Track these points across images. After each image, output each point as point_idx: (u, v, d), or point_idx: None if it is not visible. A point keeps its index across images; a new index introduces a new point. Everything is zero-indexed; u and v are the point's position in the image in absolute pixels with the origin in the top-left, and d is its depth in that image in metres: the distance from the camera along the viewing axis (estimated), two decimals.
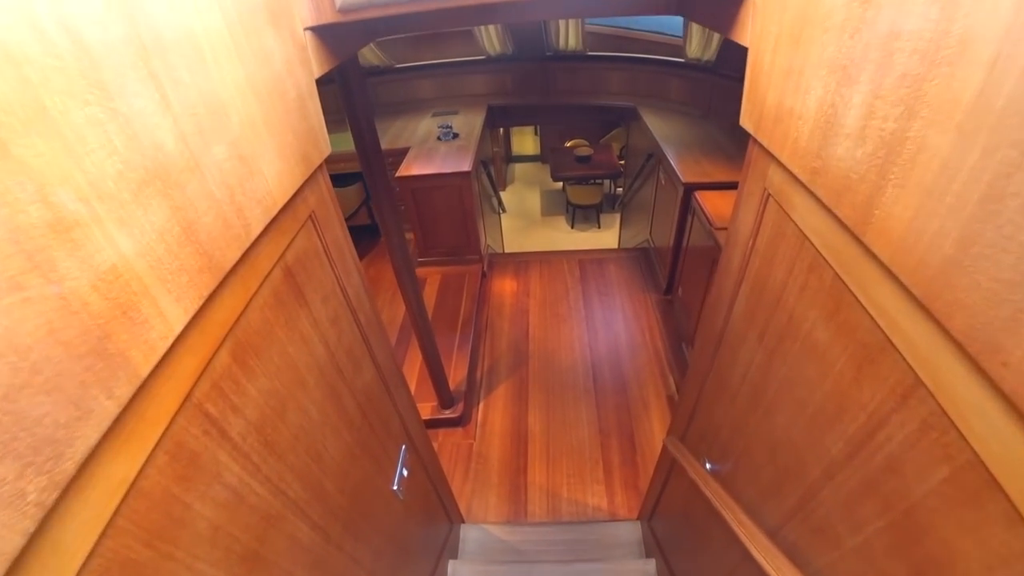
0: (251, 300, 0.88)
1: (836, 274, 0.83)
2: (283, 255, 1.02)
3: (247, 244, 0.83)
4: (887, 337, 0.70)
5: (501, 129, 9.06)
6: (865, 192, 0.68)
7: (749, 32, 1.06)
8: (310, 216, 1.15)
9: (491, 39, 5.09)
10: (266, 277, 0.94)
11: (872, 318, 0.73)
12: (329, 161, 1.31)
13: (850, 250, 0.77)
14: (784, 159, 0.95)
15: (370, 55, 5.25)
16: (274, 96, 0.95)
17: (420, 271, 4.78)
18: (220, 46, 0.78)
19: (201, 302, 0.70)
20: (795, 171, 0.91)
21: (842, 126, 0.73)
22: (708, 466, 1.61)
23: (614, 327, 4.27)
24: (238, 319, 0.83)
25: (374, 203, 2.25)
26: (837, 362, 0.85)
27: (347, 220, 4.81)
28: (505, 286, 4.76)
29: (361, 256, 5.46)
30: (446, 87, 5.60)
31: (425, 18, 1.30)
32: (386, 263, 5.08)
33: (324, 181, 1.25)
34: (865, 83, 0.67)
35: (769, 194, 1.10)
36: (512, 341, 4.19)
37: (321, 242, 1.21)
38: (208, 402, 0.75)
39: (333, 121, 5.12)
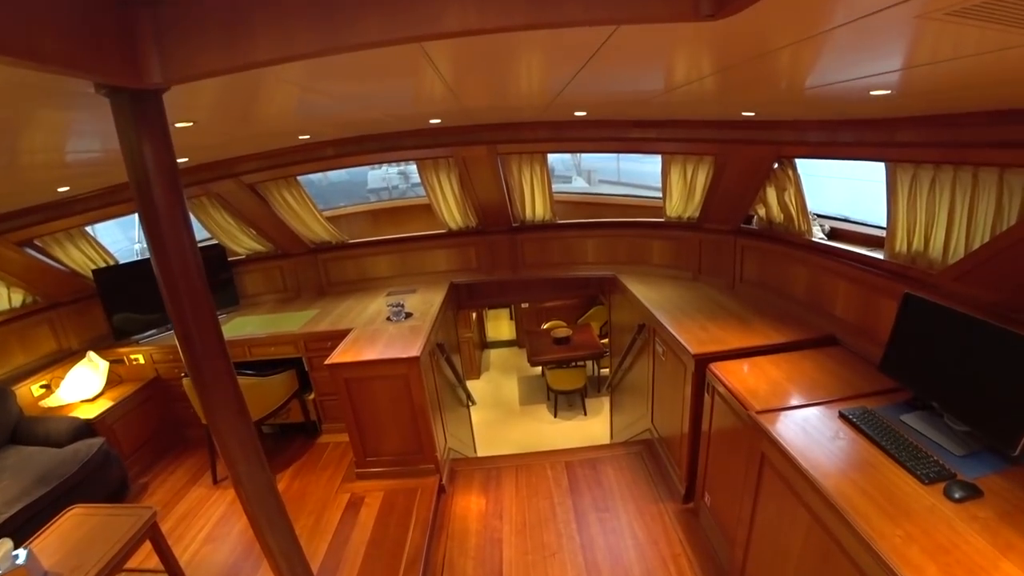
0: None
1: None
2: None
3: None
4: None
5: (474, 313, 8.58)
6: None
7: None
8: None
9: (452, 212, 4.65)
10: None
11: None
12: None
13: None
14: None
15: (320, 230, 4.74)
16: None
17: (357, 486, 3.60)
18: None
19: None
20: None
21: None
22: None
23: (623, 559, 3.00)
24: None
25: (194, 380, 1.28)
26: None
27: (272, 418, 3.76)
28: (470, 505, 3.53)
29: (289, 463, 4.28)
30: (404, 264, 5.02)
31: None
32: (316, 474, 3.89)
33: None
34: None
35: None
36: None
37: None
38: None
39: (280, 300, 4.18)
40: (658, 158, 3.88)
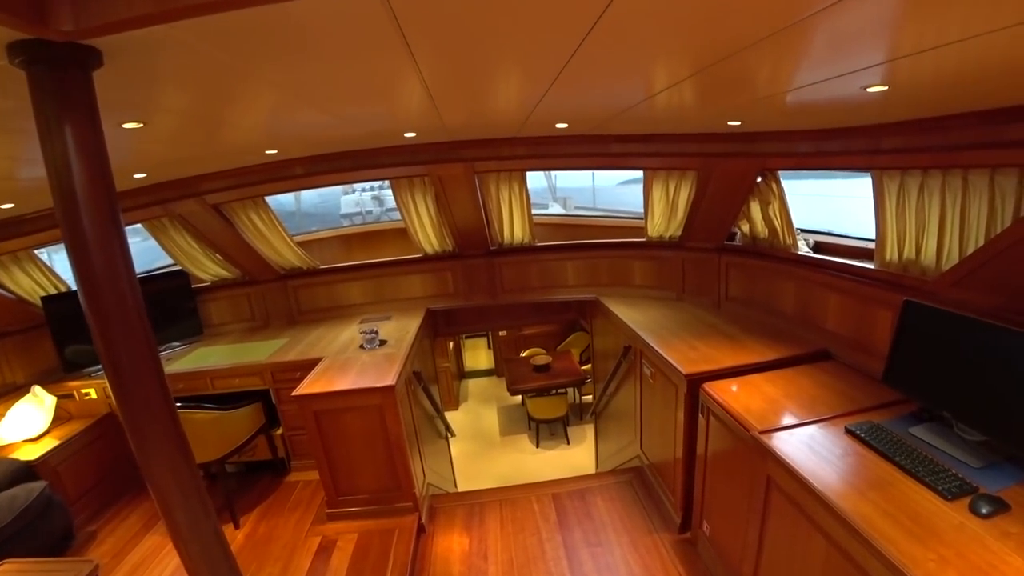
0: None
1: None
2: None
3: None
4: None
5: (451, 343, 8.36)
6: None
7: None
8: None
9: (427, 235, 4.51)
10: None
11: None
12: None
13: None
14: None
15: (290, 255, 4.54)
16: None
17: (329, 528, 3.32)
18: None
19: None
20: None
21: None
22: None
23: None
24: None
25: (121, 407, 1.08)
26: None
27: (236, 455, 3.44)
28: (452, 545, 3.28)
29: (254, 505, 3.93)
30: (378, 290, 4.83)
31: None
32: (284, 516, 3.57)
33: None
34: None
35: None
36: None
37: None
38: None
39: (247, 329, 3.86)
40: (637, 186, 3.83)
